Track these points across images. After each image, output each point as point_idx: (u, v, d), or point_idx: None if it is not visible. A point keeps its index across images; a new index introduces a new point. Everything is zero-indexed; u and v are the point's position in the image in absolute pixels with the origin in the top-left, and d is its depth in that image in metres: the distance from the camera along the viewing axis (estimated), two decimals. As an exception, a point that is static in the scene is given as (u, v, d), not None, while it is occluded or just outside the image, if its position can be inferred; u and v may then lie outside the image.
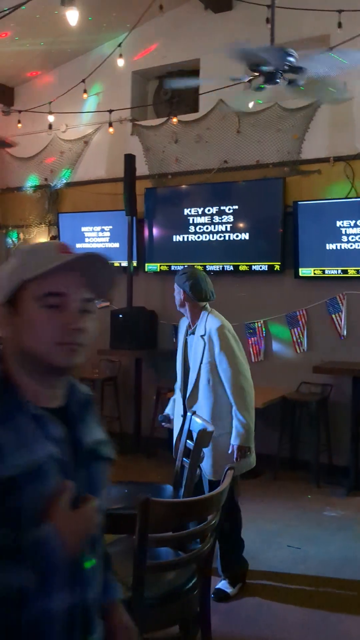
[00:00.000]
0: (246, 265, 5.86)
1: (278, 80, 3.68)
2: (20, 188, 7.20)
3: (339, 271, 5.46)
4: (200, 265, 6.06)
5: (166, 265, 6.26)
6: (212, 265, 6.00)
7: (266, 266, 5.76)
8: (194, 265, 4.83)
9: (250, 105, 5.16)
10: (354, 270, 5.39)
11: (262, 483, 5.19)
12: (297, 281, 5.66)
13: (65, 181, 6.91)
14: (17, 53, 6.38)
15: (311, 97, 4.76)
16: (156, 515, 1.63)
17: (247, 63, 3.63)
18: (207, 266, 6.02)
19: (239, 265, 5.90)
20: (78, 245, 6.81)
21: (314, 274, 5.57)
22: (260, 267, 5.79)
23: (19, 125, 6.86)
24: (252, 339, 5.91)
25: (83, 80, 6.16)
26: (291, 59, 3.52)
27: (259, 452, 5.55)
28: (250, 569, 3.42)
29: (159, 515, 1.63)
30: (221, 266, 5.98)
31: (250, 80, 4.00)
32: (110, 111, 6.24)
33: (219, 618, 2.27)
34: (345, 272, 5.43)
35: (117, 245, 6.57)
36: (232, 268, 5.93)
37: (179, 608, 1.93)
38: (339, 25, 4.93)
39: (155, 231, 6.34)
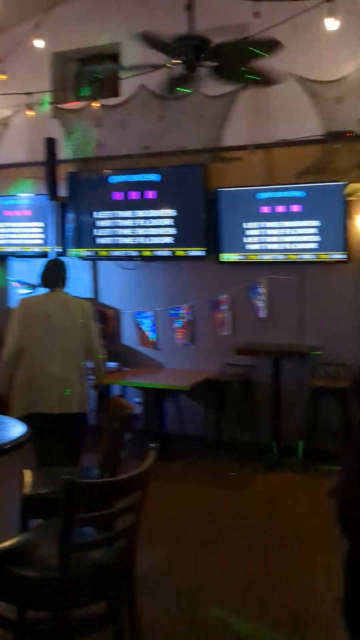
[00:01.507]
0: (170, 250, 5.93)
1: (197, 68, 3.75)
2: None
3: (260, 256, 5.63)
4: (125, 251, 6.09)
5: (90, 250, 6.24)
6: (137, 250, 6.04)
7: (190, 252, 5.86)
8: (96, 251, 4.85)
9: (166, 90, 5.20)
10: (274, 255, 5.57)
11: (188, 463, 5.33)
12: (220, 266, 5.80)
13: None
14: None
15: (235, 82, 4.82)
16: (80, 495, 1.68)
17: (159, 51, 3.67)
18: (131, 252, 6.06)
19: (163, 251, 5.96)
20: (0, 230, 6.67)
21: (236, 258, 5.72)
22: (185, 253, 5.88)
23: None
24: (179, 323, 6.01)
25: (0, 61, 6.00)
26: (206, 45, 3.59)
27: (186, 433, 5.70)
28: (178, 545, 3.53)
29: (83, 496, 1.69)
30: (146, 251, 6.02)
31: (169, 66, 4.05)
32: (28, 93, 6.10)
33: (146, 594, 2.35)
34: (265, 257, 5.61)
35: (39, 230, 6.47)
36: (157, 254, 5.99)
37: (105, 585, 2.00)
38: (256, 14, 5.03)
39: (78, 216, 6.30)
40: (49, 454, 3.77)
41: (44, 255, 6.28)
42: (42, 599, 1.89)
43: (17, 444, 2.13)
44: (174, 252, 5.92)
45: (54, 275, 4.10)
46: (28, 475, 2.82)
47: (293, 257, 5.51)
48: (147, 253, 6.02)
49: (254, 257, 5.66)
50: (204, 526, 4.03)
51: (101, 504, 1.88)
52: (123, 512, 1.89)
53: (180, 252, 5.89)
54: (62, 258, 5.53)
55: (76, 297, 4.27)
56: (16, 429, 2.30)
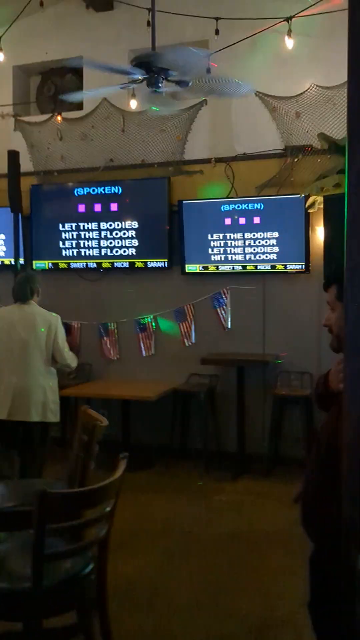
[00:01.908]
0: (135, 262, 5.98)
1: (160, 85, 3.82)
2: None
3: (223, 267, 5.73)
4: (89, 263, 6.11)
5: (54, 262, 6.24)
6: (101, 262, 6.07)
7: (154, 263, 5.92)
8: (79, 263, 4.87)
9: (136, 107, 5.29)
10: (236, 266, 5.68)
11: (155, 473, 5.36)
12: (184, 277, 5.87)
13: None
14: None
15: (205, 92, 4.91)
16: (52, 506, 1.70)
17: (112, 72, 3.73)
18: (94, 263, 6.09)
19: (127, 262, 6.00)
20: None
21: (200, 270, 5.81)
22: (149, 264, 5.94)
23: None
24: (143, 334, 6.05)
25: None
26: (153, 63, 3.66)
27: (151, 443, 5.72)
28: (147, 554, 3.55)
29: (55, 507, 1.71)
30: (110, 263, 6.06)
31: (133, 86, 4.11)
32: (-9, 106, 6.09)
33: (116, 603, 2.37)
34: (228, 268, 5.71)
35: (1, 242, 6.44)
36: (120, 265, 6.03)
37: (76, 594, 2.02)
38: (217, 32, 5.17)
39: (42, 228, 6.29)
40: (4, 462, 3.86)
41: (7, 267, 6.25)
42: (13, 610, 1.90)
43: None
44: (136, 263, 5.96)
45: (24, 288, 4.26)
46: (-4, 489, 2.81)
47: (252, 268, 5.63)
48: (110, 264, 6.05)
49: (216, 268, 5.75)
50: (172, 536, 4.07)
51: (73, 514, 1.90)
52: (95, 522, 1.92)
53: (142, 264, 5.94)
54: (31, 272, 5.61)
55: (45, 310, 4.31)
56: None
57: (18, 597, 1.89)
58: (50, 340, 4.13)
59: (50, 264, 6.25)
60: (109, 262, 6.06)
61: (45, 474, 4.22)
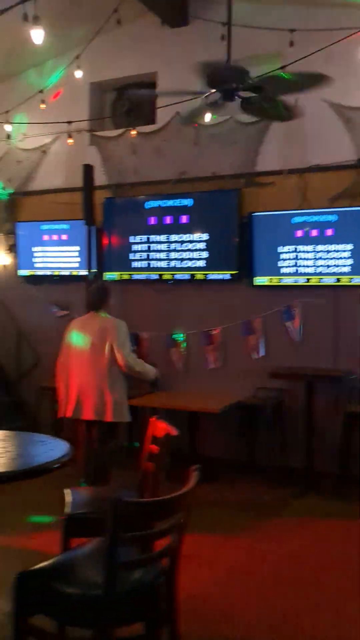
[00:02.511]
0: (203, 274, 6.00)
1: (236, 97, 3.84)
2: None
3: (293, 280, 5.66)
4: (158, 274, 6.19)
5: (126, 274, 6.34)
6: (170, 273, 6.13)
7: (223, 275, 5.91)
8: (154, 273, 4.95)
9: (207, 119, 5.33)
10: (307, 278, 5.60)
11: (220, 486, 5.31)
12: (253, 290, 5.84)
13: (13, 191, 6.92)
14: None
15: (262, 116, 4.93)
16: (126, 515, 1.72)
17: (207, 79, 3.77)
18: (164, 275, 6.15)
19: (196, 274, 6.03)
20: (36, 254, 6.82)
21: (269, 282, 5.75)
22: (218, 276, 5.94)
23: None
24: (210, 346, 6.04)
25: (41, 91, 6.21)
26: (248, 78, 3.69)
27: (216, 456, 5.70)
28: (211, 569, 3.52)
29: (129, 515, 1.72)
30: (179, 275, 6.10)
31: (207, 96, 4.15)
32: (69, 122, 6.29)
33: (183, 617, 2.36)
34: (298, 281, 5.63)
35: (76, 254, 6.61)
36: (189, 277, 6.06)
37: (147, 605, 2.02)
38: (291, 44, 5.15)
39: (113, 240, 6.42)
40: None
41: (80, 278, 6.42)
42: (86, 617, 1.92)
43: (62, 463, 2.18)
44: (205, 275, 5.98)
45: (94, 298, 4.63)
46: (68, 495, 2.86)
47: (321, 280, 5.52)
48: (179, 276, 6.09)
49: (287, 281, 5.68)
50: (236, 551, 4.02)
51: (145, 523, 1.91)
52: (168, 532, 1.92)
53: (211, 275, 5.95)
54: (104, 283, 5.77)
55: (112, 317, 4.55)
56: (59, 448, 2.35)
57: (89, 603, 1.91)
58: (110, 343, 4.37)
59: (120, 275, 6.36)
60: (177, 274, 6.11)
61: (113, 483, 4.29)
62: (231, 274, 5.87)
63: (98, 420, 4.41)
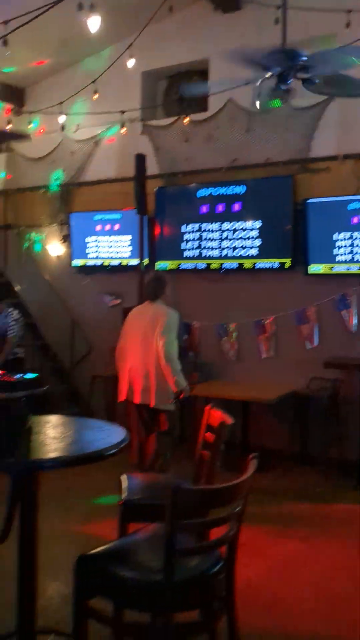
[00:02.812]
0: (256, 262, 5.93)
1: (289, 81, 3.75)
2: (32, 188, 7.28)
3: (349, 268, 5.53)
4: (210, 263, 6.16)
5: (176, 263, 6.34)
6: (222, 262, 6.09)
7: (276, 263, 5.84)
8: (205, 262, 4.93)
9: (259, 105, 5.24)
10: (364, 266, 5.46)
11: (272, 477, 5.27)
12: (307, 278, 5.74)
13: (67, 181, 6.99)
14: (28, 54, 6.45)
15: (330, 92, 4.78)
16: (185, 502, 1.71)
17: (250, 67, 3.69)
18: (216, 263, 6.12)
19: (248, 262, 5.97)
20: (89, 245, 6.90)
21: (324, 271, 5.64)
22: (271, 265, 5.87)
23: (29, 126, 6.94)
24: (262, 335, 5.99)
25: (94, 81, 6.23)
26: (300, 57, 3.59)
27: (269, 446, 5.66)
28: (266, 558, 3.49)
29: (188, 503, 1.72)
30: (231, 264, 6.06)
31: (261, 82, 4.07)
32: (123, 112, 6.31)
33: (241, 604, 2.35)
34: (354, 269, 5.50)
35: (127, 243, 6.65)
36: (241, 265, 6.01)
37: (204, 592, 2.02)
38: (347, 25, 5.00)
39: (165, 229, 6.42)
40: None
41: (132, 267, 6.46)
42: (143, 601, 1.94)
43: (118, 449, 2.19)
44: (258, 263, 5.91)
45: (150, 288, 4.72)
46: (125, 481, 2.89)
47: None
48: (231, 265, 6.05)
49: (342, 269, 5.56)
50: (290, 541, 3.98)
51: (203, 511, 1.91)
52: (226, 521, 1.91)
53: (264, 264, 5.88)
54: (161, 273, 5.80)
55: (166, 307, 4.52)
56: (116, 434, 2.37)
57: (148, 588, 1.93)
58: (158, 331, 4.44)
59: (172, 264, 6.36)
60: (229, 262, 6.06)
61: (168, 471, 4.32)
62: (285, 262, 5.78)
63: (145, 404, 4.50)
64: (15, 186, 7.40)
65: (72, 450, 2.39)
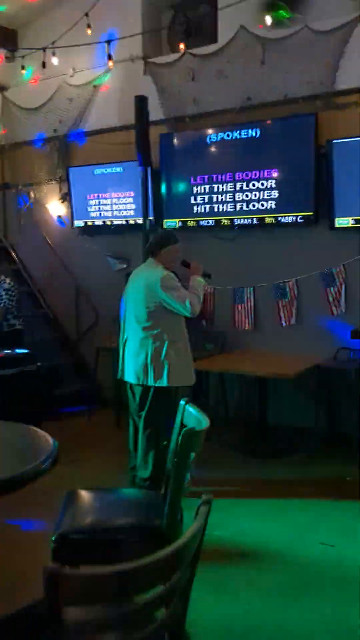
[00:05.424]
0: (274, 217, 5.17)
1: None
2: (29, 142, 6.62)
3: (382, 220, 4.72)
4: (222, 220, 5.43)
5: (185, 220, 5.63)
6: (237, 218, 5.34)
7: (297, 217, 5.07)
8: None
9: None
10: None
11: (295, 463, 4.63)
12: (333, 233, 4.96)
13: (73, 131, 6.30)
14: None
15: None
16: (70, 591, 1.08)
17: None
18: (229, 220, 5.38)
19: (266, 217, 5.21)
20: (91, 202, 6.23)
21: (352, 224, 4.85)
22: (291, 219, 5.10)
23: (23, 71, 6.26)
24: (283, 300, 5.27)
25: (86, 14, 5.46)
26: None
27: (291, 425, 5.02)
28: (279, 567, 2.89)
29: (75, 591, 1.08)
30: (246, 219, 5.30)
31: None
32: (109, 42, 5.50)
33: None
34: (388, 220, 4.69)
35: (130, 200, 5.96)
36: (258, 221, 5.25)
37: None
38: None
39: (172, 182, 5.69)
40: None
41: (137, 227, 5.78)
42: None
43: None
44: (276, 218, 5.15)
45: (152, 244, 4.01)
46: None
47: None
48: (246, 221, 5.30)
49: (374, 222, 4.75)
50: (308, 550, 3.35)
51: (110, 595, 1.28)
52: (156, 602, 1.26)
53: (284, 218, 5.12)
54: (163, 230, 5.15)
55: (157, 269, 3.84)
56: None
57: None
58: (151, 302, 3.75)
59: (180, 222, 5.65)
60: (245, 218, 5.31)
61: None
62: (307, 216, 5.00)
63: (137, 384, 3.85)
64: (11, 141, 6.74)
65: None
